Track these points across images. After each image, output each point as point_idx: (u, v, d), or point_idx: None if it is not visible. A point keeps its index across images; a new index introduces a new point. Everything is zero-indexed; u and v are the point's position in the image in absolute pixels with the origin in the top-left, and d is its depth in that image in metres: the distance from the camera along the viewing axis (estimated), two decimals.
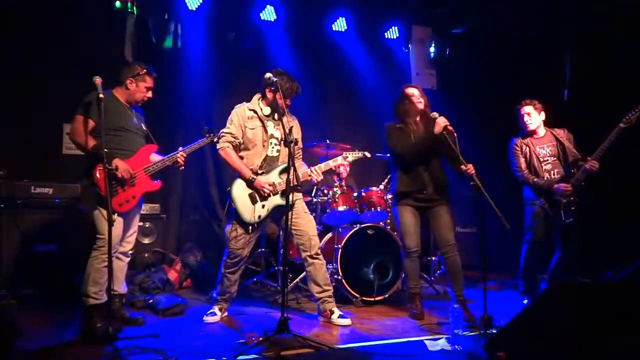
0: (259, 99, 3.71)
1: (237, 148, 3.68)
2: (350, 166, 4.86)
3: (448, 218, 3.75)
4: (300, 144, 3.84)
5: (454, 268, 3.70)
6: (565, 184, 3.92)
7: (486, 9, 5.91)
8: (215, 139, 3.62)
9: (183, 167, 3.49)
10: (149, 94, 3.46)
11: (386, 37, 6.64)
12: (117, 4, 5.10)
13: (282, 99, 3.39)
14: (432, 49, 6.91)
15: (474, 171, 3.44)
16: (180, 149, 3.46)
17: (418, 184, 3.74)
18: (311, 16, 6.19)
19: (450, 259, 3.72)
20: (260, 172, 3.63)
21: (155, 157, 3.44)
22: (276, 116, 3.68)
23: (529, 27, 5.89)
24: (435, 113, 3.60)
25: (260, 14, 5.91)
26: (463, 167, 3.44)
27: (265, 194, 3.58)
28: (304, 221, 3.67)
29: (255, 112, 3.67)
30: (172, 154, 3.42)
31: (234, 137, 3.64)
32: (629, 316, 2.26)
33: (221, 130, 3.64)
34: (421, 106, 3.79)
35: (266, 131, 3.66)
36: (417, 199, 3.76)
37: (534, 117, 4.15)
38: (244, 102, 3.74)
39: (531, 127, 4.16)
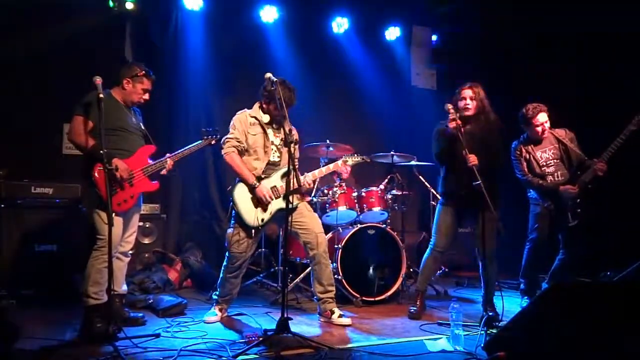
0: (259, 107, 3.70)
1: (241, 153, 3.66)
2: (351, 167, 4.84)
3: (483, 227, 3.57)
4: (297, 154, 3.81)
5: (486, 277, 3.67)
6: (572, 186, 3.88)
7: (486, 9, 5.92)
8: (213, 142, 3.61)
9: (166, 172, 3.40)
10: (146, 96, 3.42)
11: (386, 37, 6.64)
12: (111, 3, 5.11)
13: (277, 109, 3.35)
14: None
15: (475, 162, 3.42)
16: (167, 155, 3.43)
17: (449, 186, 3.79)
18: (311, 16, 6.20)
19: (484, 268, 3.69)
20: (263, 176, 3.62)
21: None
22: (275, 124, 3.68)
23: (529, 26, 5.89)
24: (448, 105, 3.61)
25: (261, 14, 5.91)
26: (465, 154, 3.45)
27: (266, 203, 3.55)
28: (309, 219, 3.66)
29: (256, 118, 3.66)
30: (161, 159, 3.39)
31: (239, 142, 3.61)
32: (629, 316, 2.25)
33: (224, 137, 3.62)
34: (470, 112, 3.67)
35: (267, 138, 3.65)
36: (455, 201, 3.77)
37: (547, 123, 3.98)
38: (245, 109, 3.73)
39: (546, 135, 4.02)
